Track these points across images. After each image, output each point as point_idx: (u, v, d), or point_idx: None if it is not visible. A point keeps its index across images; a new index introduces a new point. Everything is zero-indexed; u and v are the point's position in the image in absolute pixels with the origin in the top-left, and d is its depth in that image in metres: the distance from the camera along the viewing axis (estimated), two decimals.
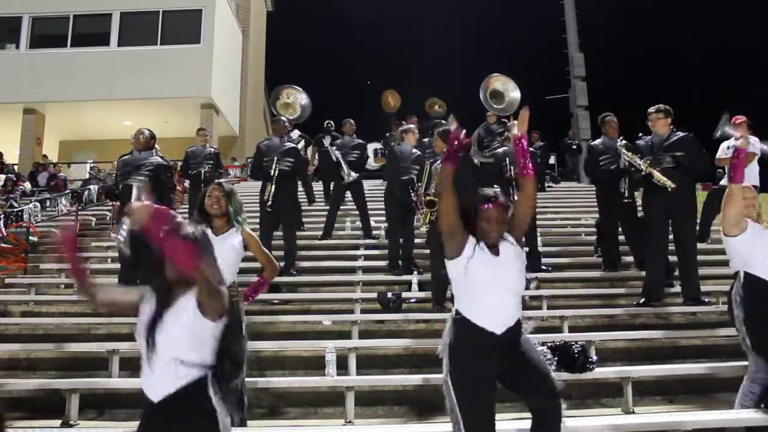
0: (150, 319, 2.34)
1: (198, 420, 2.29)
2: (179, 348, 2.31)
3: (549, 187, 13.53)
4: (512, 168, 7.08)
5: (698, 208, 6.57)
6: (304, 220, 9.26)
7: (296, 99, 9.35)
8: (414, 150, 7.40)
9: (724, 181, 7.27)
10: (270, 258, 4.03)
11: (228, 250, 3.73)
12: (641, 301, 5.97)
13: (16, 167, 16.45)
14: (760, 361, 3.53)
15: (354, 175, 8.50)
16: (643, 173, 5.93)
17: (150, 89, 17.47)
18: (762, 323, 3.52)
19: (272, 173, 6.97)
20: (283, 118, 7.87)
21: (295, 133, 9.49)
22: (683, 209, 5.78)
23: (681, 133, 5.92)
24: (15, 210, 11.10)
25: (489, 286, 2.79)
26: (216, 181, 4.29)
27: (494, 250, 2.84)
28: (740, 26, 30.06)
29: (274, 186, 6.93)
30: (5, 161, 16.01)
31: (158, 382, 2.30)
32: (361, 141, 9.02)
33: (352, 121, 9.14)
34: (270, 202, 6.88)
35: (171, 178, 6.77)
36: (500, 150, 7.64)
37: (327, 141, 9.80)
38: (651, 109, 6.01)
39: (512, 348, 2.80)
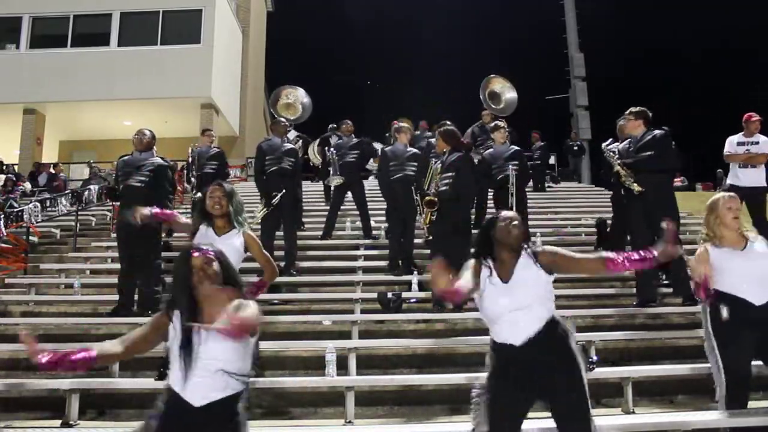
0: (184, 337, 2.34)
1: (231, 426, 2.37)
2: (226, 361, 2.35)
3: (549, 187, 13.55)
4: (509, 169, 7.08)
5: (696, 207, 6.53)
6: (304, 220, 9.28)
7: (296, 98, 9.35)
8: (409, 148, 7.38)
9: (729, 180, 7.24)
10: (270, 260, 4.02)
11: (229, 251, 3.72)
12: (635, 304, 5.95)
13: (16, 167, 16.45)
14: (717, 368, 3.59)
15: (338, 180, 8.46)
16: (614, 171, 5.93)
17: (150, 89, 17.47)
18: (720, 335, 3.57)
19: (273, 199, 6.87)
20: (283, 120, 7.87)
21: (292, 134, 9.48)
22: (659, 210, 5.62)
23: (656, 131, 5.83)
24: (15, 210, 11.10)
25: (498, 308, 2.82)
26: (216, 181, 4.28)
27: (505, 277, 2.85)
28: (740, 26, 30.06)
29: (267, 209, 6.87)
30: (4, 161, 16.02)
31: (204, 389, 2.33)
32: (359, 140, 9.00)
33: (349, 121, 9.12)
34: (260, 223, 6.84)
35: (172, 178, 6.75)
36: (487, 152, 7.63)
37: (334, 140, 9.81)
38: (625, 112, 6.00)
39: (545, 367, 2.75)
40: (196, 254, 2.45)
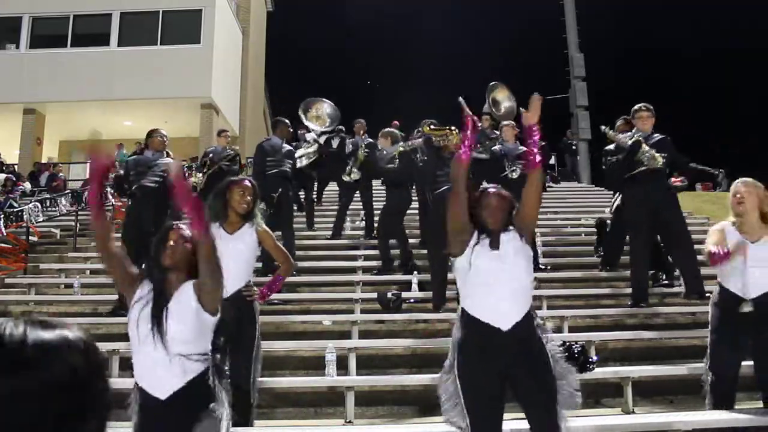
0: (152, 314, 2.36)
1: (203, 411, 2.34)
2: (184, 344, 2.35)
3: (549, 187, 13.55)
4: (510, 168, 7.09)
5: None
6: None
7: (323, 111, 9.44)
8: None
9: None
10: (286, 254, 3.98)
11: (242, 248, 3.69)
12: (629, 304, 5.95)
13: (16, 167, 16.44)
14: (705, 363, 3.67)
15: (356, 173, 8.49)
16: (630, 144, 5.74)
17: (150, 89, 17.45)
18: (716, 335, 3.65)
19: (271, 198, 6.84)
20: (286, 120, 7.89)
21: (311, 135, 9.54)
22: (668, 201, 5.67)
23: (658, 135, 5.84)
24: (15, 210, 11.10)
25: (490, 280, 2.75)
26: (248, 178, 4.11)
27: (494, 244, 2.80)
28: (740, 26, 30.07)
29: (270, 209, 6.89)
30: (4, 161, 16.01)
31: (165, 379, 2.33)
32: (372, 140, 9.01)
33: (362, 121, 9.13)
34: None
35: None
36: (497, 147, 7.64)
37: (335, 143, 9.82)
38: (640, 106, 5.92)
39: (522, 351, 2.72)
40: (174, 230, 2.51)
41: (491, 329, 2.72)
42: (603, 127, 6.42)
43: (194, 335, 2.38)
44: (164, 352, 2.32)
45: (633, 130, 5.97)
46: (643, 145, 5.71)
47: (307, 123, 9.16)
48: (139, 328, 2.36)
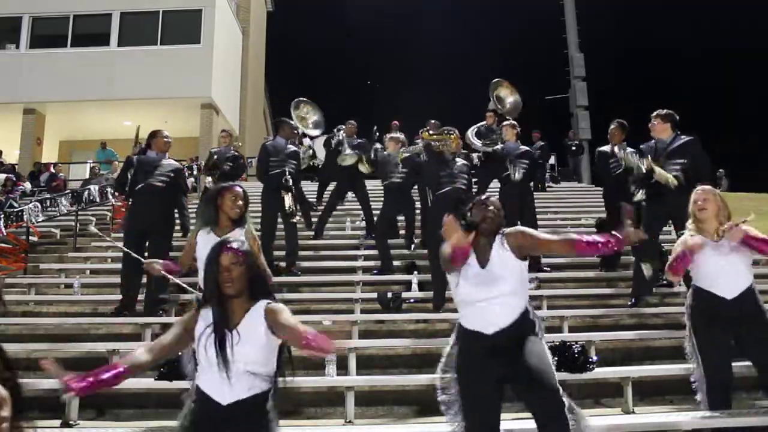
0: (216, 336, 2.37)
1: (259, 425, 2.39)
2: (254, 363, 2.39)
3: (549, 187, 13.54)
4: (515, 170, 7.11)
5: None
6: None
7: (311, 118, 9.47)
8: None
9: None
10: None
11: None
12: (632, 302, 5.95)
13: (16, 167, 16.43)
14: (698, 368, 3.64)
15: (351, 158, 8.50)
16: (643, 171, 5.64)
17: (150, 89, 17.46)
18: (698, 334, 3.65)
19: (286, 181, 6.93)
20: (291, 121, 7.91)
21: (307, 141, 9.58)
22: (683, 205, 5.65)
23: (684, 138, 5.67)
24: (15, 210, 11.09)
25: (473, 294, 2.86)
26: (236, 184, 4.19)
27: (483, 262, 2.88)
28: (740, 26, 30.08)
29: (290, 194, 6.94)
30: (4, 161, 16.00)
31: (231, 389, 2.35)
32: (361, 141, 9.02)
33: (353, 122, 9.17)
34: (293, 210, 6.93)
35: (185, 181, 6.84)
36: (498, 147, 7.64)
37: (334, 141, 9.85)
38: (651, 116, 5.83)
39: (513, 353, 2.76)
40: (225, 252, 2.44)
41: (476, 335, 2.82)
42: (618, 151, 6.49)
43: (263, 356, 2.42)
44: (232, 374, 2.34)
45: (653, 141, 5.84)
46: (655, 171, 5.57)
47: (294, 120, 9.19)
48: (207, 353, 2.37)
